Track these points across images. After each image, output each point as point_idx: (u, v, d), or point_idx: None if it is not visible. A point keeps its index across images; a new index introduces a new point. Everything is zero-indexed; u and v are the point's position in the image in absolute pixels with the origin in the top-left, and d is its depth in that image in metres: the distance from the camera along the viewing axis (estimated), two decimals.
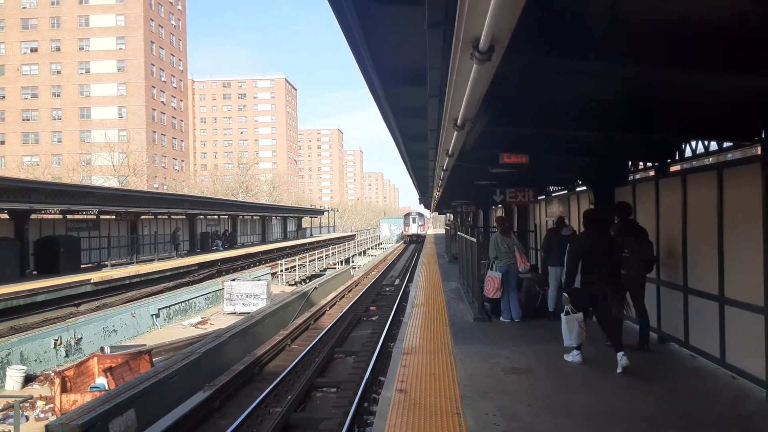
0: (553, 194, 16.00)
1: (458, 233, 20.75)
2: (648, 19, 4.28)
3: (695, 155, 8.12)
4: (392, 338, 13.43)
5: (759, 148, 6.21)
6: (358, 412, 9.06)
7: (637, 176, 10.09)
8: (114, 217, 33.42)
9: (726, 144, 7.41)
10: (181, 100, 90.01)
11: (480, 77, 3.52)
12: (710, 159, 7.91)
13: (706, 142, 7.77)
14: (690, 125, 6.55)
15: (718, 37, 4.26)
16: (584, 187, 12.15)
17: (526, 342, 9.01)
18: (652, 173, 9.18)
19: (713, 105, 6.32)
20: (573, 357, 7.62)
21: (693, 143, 8.08)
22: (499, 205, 19.40)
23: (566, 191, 14.38)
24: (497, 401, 6.07)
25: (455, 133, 5.73)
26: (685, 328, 7.78)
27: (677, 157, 8.47)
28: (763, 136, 6.12)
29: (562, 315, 7.56)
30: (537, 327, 10.24)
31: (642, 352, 7.95)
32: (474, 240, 12.24)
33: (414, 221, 68.75)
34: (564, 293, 7.58)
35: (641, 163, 10.02)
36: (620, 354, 7.01)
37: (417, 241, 63.27)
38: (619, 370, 6.95)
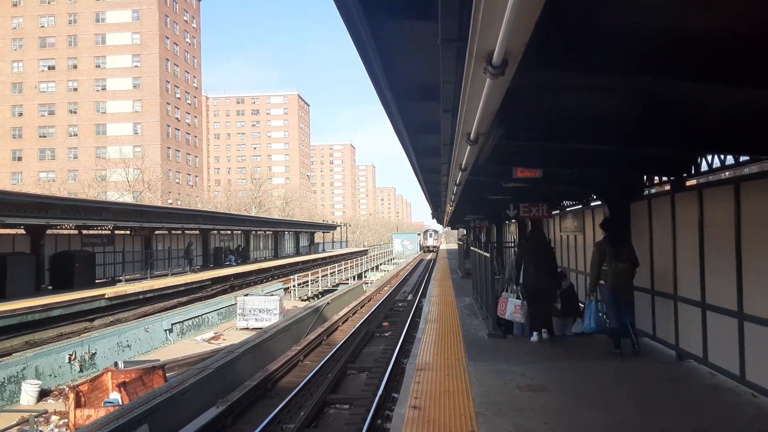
0: (568, 209, 15.90)
1: (471, 248, 20.66)
2: (661, 32, 4.26)
3: (711, 169, 8.03)
4: (405, 354, 13.34)
5: None
6: (372, 429, 8.98)
7: (653, 191, 10.00)
8: (128, 232, 33.69)
9: (743, 158, 7.33)
10: (195, 117, 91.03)
11: (493, 91, 3.51)
12: (727, 173, 7.82)
13: (722, 156, 7.69)
14: (706, 139, 6.49)
15: (734, 49, 4.23)
16: (599, 202, 12.06)
17: (541, 359, 8.91)
18: (667, 188, 9.09)
19: (730, 118, 6.25)
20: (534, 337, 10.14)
21: (709, 157, 8.00)
22: (513, 220, 19.32)
23: (581, 206, 14.29)
24: (513, 419, 5.99)
25: (468, 147, 5.72)
26: (704, 345, 7.65)
27: (693, 172, 8.39)
28: None
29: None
30: (552, 344, 10.13)
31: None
32: (487, 255, 12.18)
33: (430, 236, 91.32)
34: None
35: (656, 178, 9.93)
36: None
37: (432, 250, 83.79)
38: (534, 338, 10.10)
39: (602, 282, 9.07)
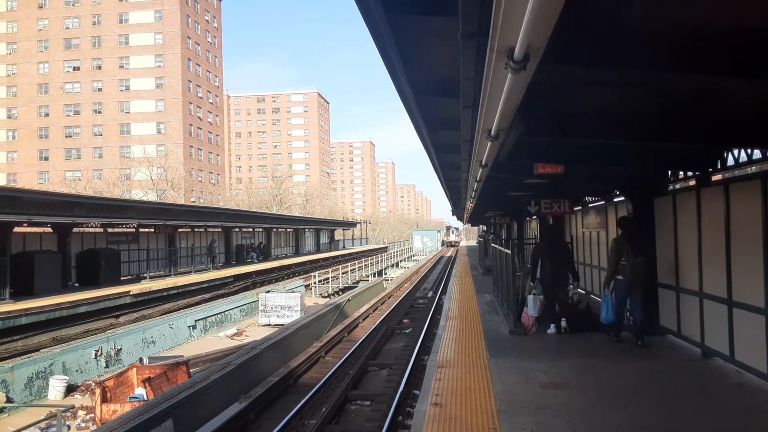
0: (590, 205, 15.72)
1: (492, 245, 20.56)
2: (685, 25, 4.19)
3: (738, 164, 7.88)
4: (426, 351, 13.33)
5: None
6: (393, 426, 8.98)
7: (677, 186, 9.84)
8: (153, 230, 34.12)
9: None
10: (217, 116, 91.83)
11: (514, 87, 3.49)
12: (753, 168, 7.66)
13: (749, 150, 7.53)
14: (731, 133, 6.37)
15: (759, 42, 4.14)
16: (622, 198, 11.91)
17: (563, 356, 8.83)
18: (692, 183, 8.94)
19: (755, 112, 6.13)
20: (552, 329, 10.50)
21: (735, 152, 7.85)
22: (534, 217, 19.17)
23: (603, 202, 14.12)
24: (535, 416, 5.95)
25: (489, 143, 5.69)
26: (730, 343, 7.52)
27: (719, 166, 8.24)
28: None
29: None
30: (574, 341, 10.04)
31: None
32: (508, 252, 12.10)
33: (452, 233, 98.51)
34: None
35: (681, 173, 9.77)
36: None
37: (454, 245, 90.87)
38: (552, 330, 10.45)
39: (619, 277, 9.36)
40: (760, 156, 7.38)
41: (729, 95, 5.94)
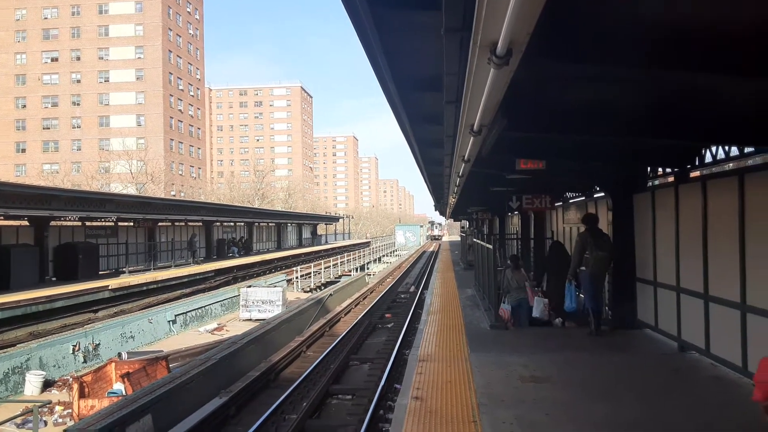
0: (571, 200, 15.87)
1: (474, 240, 20.66)
2: (665, 23, 4.23)
3: (716, 161, 8.00)
4: (408, 345, 13.37)
5: None
6: (374, 420, 9.01)
7: (656, 182, 9.97)
8: (132, 224, 33.71)
9: (747, 149, 7.30)
10: (199, 108, 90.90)
11: (497, 82, 3.50)
12: (731, 164, 7.79)
13: (726, 148, 7.65)
14: (710, 130, 6.45)
15: (737, 41, 4.20)
16: (602, 194, 12.04)
17: (544, 350, 8.92)
18: (671, 179, 9.07)
19: (733, 109, 6.22)
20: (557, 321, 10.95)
21: (713, 149, 7.97)
22: (516, 212, 19.29)
23: (584, 197, 14.26)
24: (515, 410, 6.00)
25: (471, 138, 5.71)
26: (706, 337, 7.65)
27: (697, 163, 8.36)
28: None
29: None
30: (554, 335, 10.14)
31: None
32: (490, 247, 12.17)
33: (435, 227, 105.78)
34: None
35: (660, 169, 9.90)
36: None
37: (437, 238, 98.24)
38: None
39: (582, 268, 10.02)
40: (738, 153, 7.50)
41: (709, 93, 6.01)
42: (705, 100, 6.16)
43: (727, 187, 7.04)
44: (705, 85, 5.64)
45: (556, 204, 15.86)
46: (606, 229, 10.65)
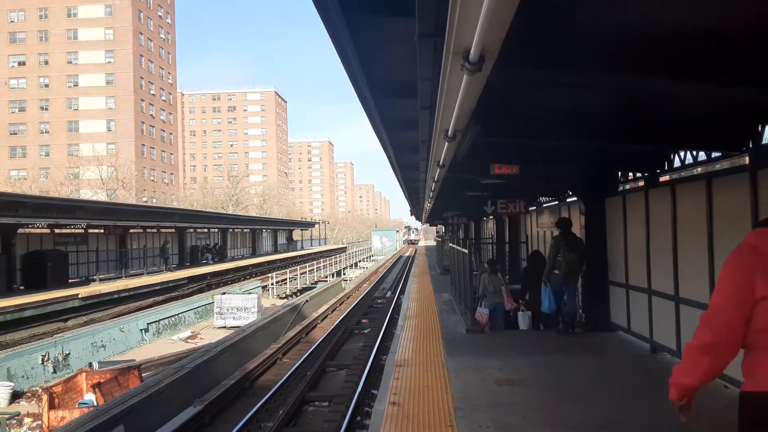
0: (545, 205, 16.06)
1: (450, 245, 20.77)
2: (634, 29, 4.31)
3: (684, 165, 8.17)
4: (385, 351, 13.34)
5: (747, 158, 6.26)
6: (351, 426, 8.97)
7: (627, 186, 10.15)
8: (102, 231, 33.14)
9: (714, 154, 7.47)
10: (171, 113, 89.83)
11: (470, 88, 3.53)
12: (699, 169, 7.97)
13: (695, 153, 7.83)
14: (678, 135, 6.60)
15: (705, 48, 4.30)
16: (575, 198, 12.20)
17: (520, 353, 8.98)
18: (641, 183, 9.23)
19: (701, 115, 6.37)
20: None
21: (682, 153, 8.14)
22: (491, 217, 19.46)
23: (557, 202, 14.44)
24: (491, 413, 6.03)
25: (446, 144, 5.74)
26: (677, 339, 7.79)
27: (666, 168, 8.52)
28: (751, 145, 6.17)
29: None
30: (530, 339, 10.23)
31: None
32: (466, 251, 12.24)
33: (412, 232, 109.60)
34: None
35: (631, 174, 10.08)
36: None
37: (413, 243, 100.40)
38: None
39: (556, 271, 10.25)
40: (705, 158, 7.67)
41: (676, 99, 6.15)
42: (672, 106, 6.30)
43: (696, 191, 7.19)
44: (672, 92, 5.77)
45: (530, 208, 16.04)
46: (579, 232, 10.80)
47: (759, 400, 2.34)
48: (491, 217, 20.28)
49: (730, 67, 4.39)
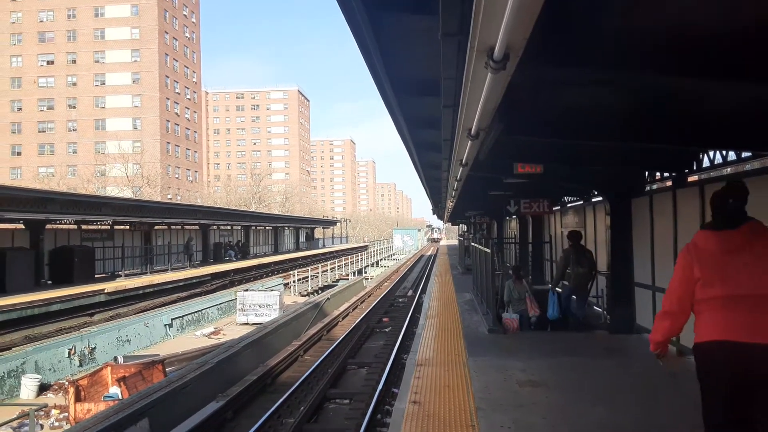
0: (569, 205, 15.89)
1: (472, 244, 20.66)
2: (662, 28, 4.23)
3: (713, 165, 8.02)
4: (405, 350, 13.35)
5: None
6: (372, 424, 8.99)
7: (654, 187, 9.98)
8: (128, 227, 33.63)
9: (744, 154, 7.31)
10: (195, 112, 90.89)
11: (494, 86, 3.50)
12: (728, 169, 7.80)
13: (724, 152, 7.67)
14: (707, 135, 6.46)
15: (735, 45, 4.20)
16: (600, 198, 12.05)
17: (541, 354, 8.90)
18: (669, 184, 9.07)
19: (731, 114, 6.22)
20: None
21: (711, 153, 7.98)
22: (514, 216, 19.32)
23: (582, 202, 14.28)
24: (512, 414, 5.99)
25: (469, 142, 5.71)
26: None
27: (695, 168, 8.37)
28: None
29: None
30: (552, 340, 10.13)
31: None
32: (488, 251, 12.17)
33: (435, 231, 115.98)
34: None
35: (658, 174, 9.91)
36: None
37: (436, 240, 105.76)
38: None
39: (565, 283, 10.73)
40: (735, 158, 7.51)
41: (706, 97, 6.03)
42: (701, 105, 6.17)
43: None
44: (700, 90, 5.66)
45: (554, 208, 15.88)
46: (604, 233, 10.67)
47: (701, 347, 3.37)
48: (514, 216, 20.13)
49: (759, 66, 4.29)
